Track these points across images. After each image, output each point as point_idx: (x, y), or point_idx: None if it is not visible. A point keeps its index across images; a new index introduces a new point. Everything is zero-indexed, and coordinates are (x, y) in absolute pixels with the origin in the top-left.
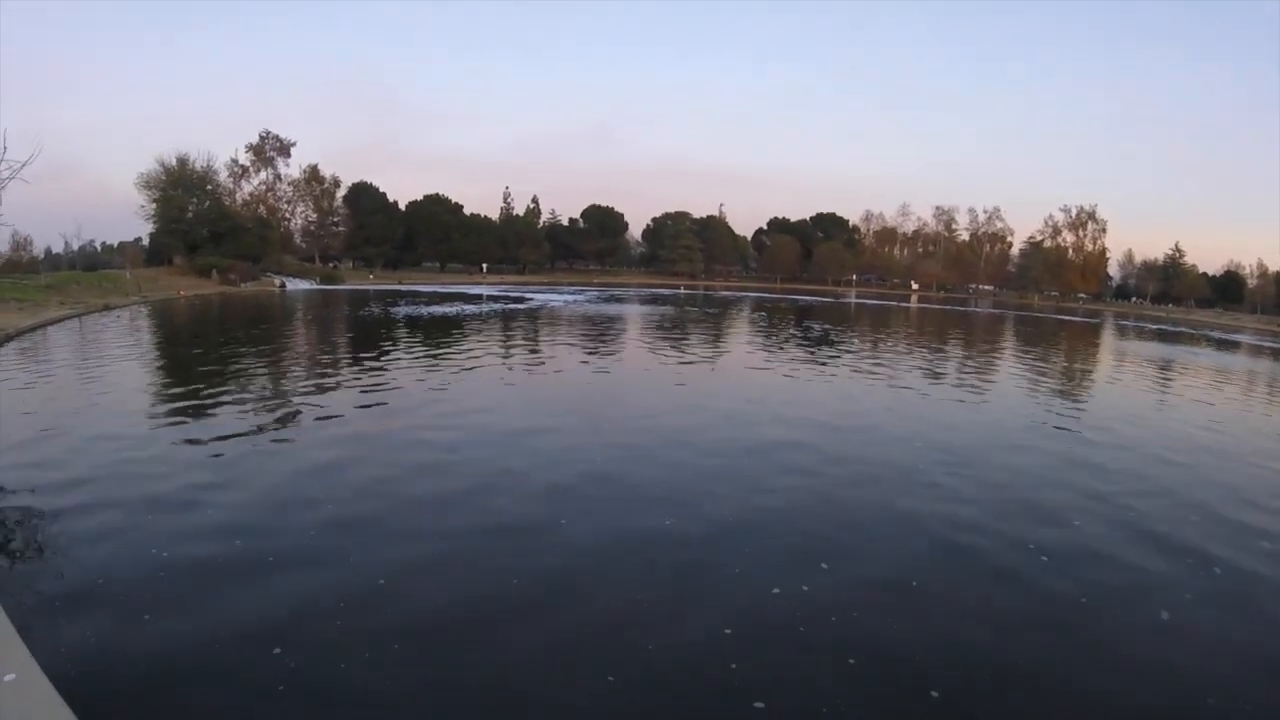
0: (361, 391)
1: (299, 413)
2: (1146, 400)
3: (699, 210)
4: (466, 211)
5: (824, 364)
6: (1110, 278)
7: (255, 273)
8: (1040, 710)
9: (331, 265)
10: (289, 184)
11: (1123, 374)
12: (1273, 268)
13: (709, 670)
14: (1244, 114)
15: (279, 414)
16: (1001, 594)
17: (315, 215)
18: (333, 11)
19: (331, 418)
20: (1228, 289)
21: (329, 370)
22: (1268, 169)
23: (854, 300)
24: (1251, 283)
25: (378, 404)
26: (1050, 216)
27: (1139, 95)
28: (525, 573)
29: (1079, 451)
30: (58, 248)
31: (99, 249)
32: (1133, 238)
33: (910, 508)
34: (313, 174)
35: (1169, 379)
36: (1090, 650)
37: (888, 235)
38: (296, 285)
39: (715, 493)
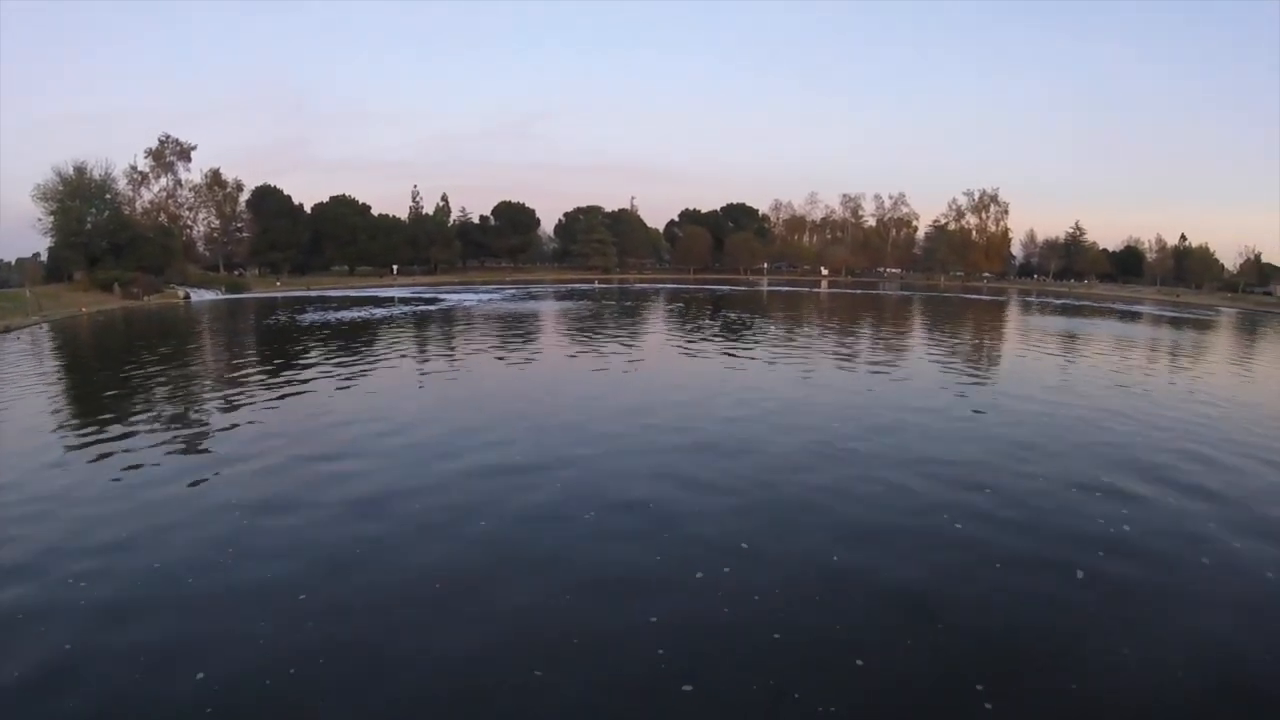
0: (266, 407)
1: (208, 438)
2: (1049, 366)
3: (611, 204)
4: (375, 212)
5: (748, 350)
6: (1014, 257)
7: (159, 285)
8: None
9: (237, 273)
10: (190, 190)
11: (1032, 348)
12: (1171, 242)
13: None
14: (1140, 96)
15: (189, 442)
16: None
17: (218, 221)
18: (234, 10)
19: (241, 445)
20: (1128, 263)
21: (238, 391)
22: (1165, 148)
23: (766, 288)
24: (1150, 257)
25: (290, 425)
26: (954, 200)
27: (1037, 80)
28: (449, 570)
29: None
30: None
31: None
32: (1035, 218)
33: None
34: (214, 179)
35: (1075, 350)
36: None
37: (797, 223)
38: (201, 296)
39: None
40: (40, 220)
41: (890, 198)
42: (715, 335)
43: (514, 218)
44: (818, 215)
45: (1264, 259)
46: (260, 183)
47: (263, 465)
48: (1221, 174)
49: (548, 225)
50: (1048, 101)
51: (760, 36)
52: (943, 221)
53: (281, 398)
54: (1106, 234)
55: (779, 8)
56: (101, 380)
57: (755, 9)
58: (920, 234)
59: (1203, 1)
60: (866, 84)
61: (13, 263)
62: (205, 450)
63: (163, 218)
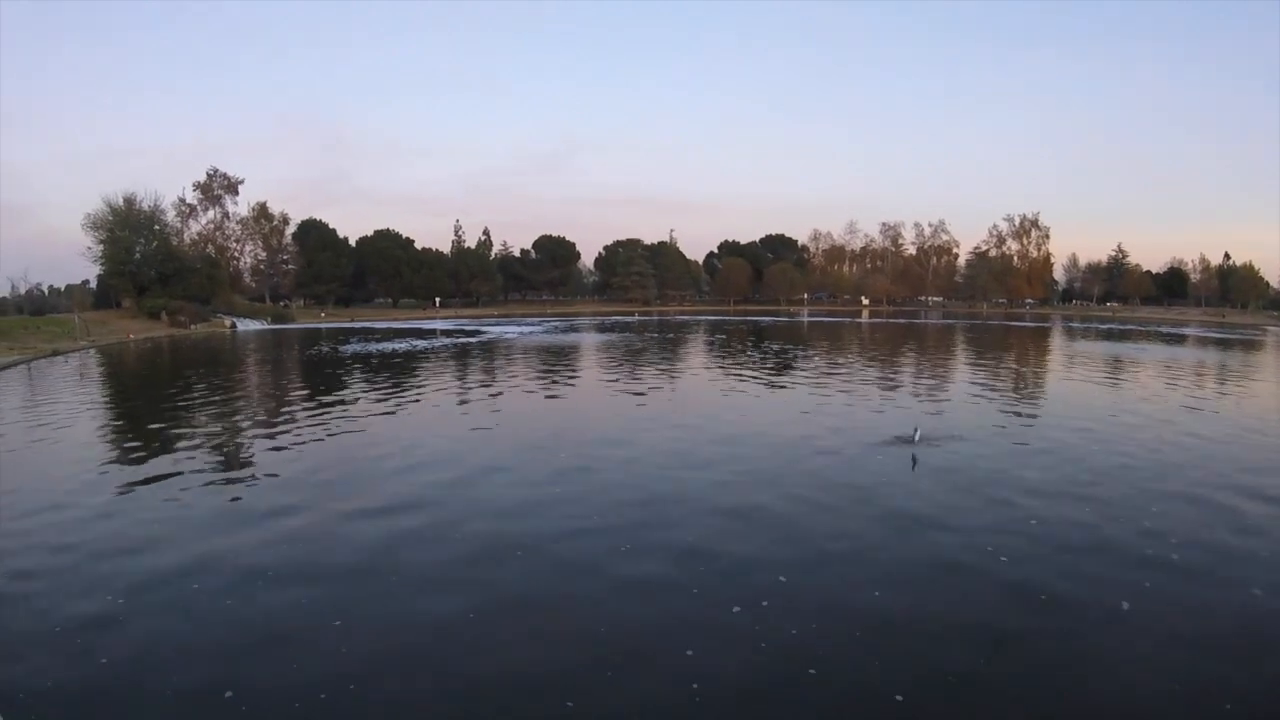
0: (312, 439)
1: (252, 464)
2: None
3: (650, 236)
4: (418, 246)
5: (790, 384)
6: (1056, 282)
7: (205, 314)
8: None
9: (282, 304)
10: (237, 222)
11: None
12: (1214, 262)
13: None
14: (1181, 114)
15: (233, 474)
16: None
17: (264, 253)
18: (282, 47)
19: (286, 483)
20: (1172, 285)
21: (284, 422)
22: (1205, 167)
23: (807, 318)
24: (1194, 278)
25: (335, 463)
26: (994, 226)
27: (1075, 104)
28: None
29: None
30: (3, 292)
31: (46, 293)
32: (1076, 242)
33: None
34: (261, 211)
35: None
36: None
37: (836, 253)
38: (247, 326)
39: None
40: (90, 249)
41: (930, 225)
42: (802, 373)
43: (554, 251)
44: (857, 245)
45: None
46: (305, 216)
47: (305, 510)
48: (1265, 190)
49: (587, 258)
50: (1088, 123)
51: (798, 68)
52: (983, 248)
53: (327, 430)
54: (1150, 255)
55: (816, 41)
56: (146, 408)
57: (793, 42)
58: (961, 261)
59: (1241, 22)
60: (905, 112)
61: (62, 289)
62: (249, 480)
63: (210, 249)
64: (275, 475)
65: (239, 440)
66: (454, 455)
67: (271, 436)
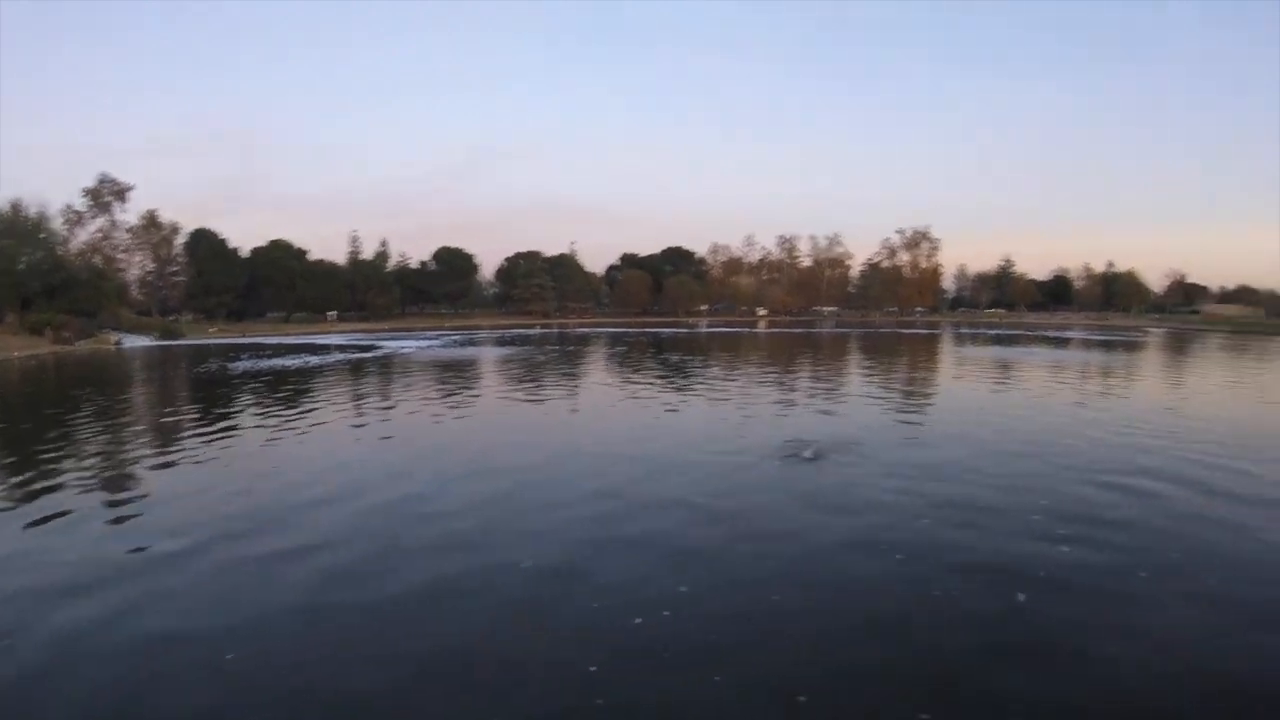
0: (194, 468)
1: (149, 499)
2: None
3: (551, 249)
4: (312, 257)
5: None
6: (945, 291)
7: (91, 329)
8: None
9: (171, 319)
10: (126, 231)
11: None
12: (1098, 269)
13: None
14: (1064, 128)
15: (128, 513)
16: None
17: (153, 265)
18: (175, 51)
19: (173, 515)
20: (1057, 292)
21: (180, 450)
22: (1090, 177)
23: (705, 330)
24: (1079, 284)
25: (225, 493)
26: (887, 239)
27: (967, 118)
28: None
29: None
30: None
31: None
32: (966, 253)
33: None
34: (150, 220)
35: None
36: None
37: (734, 265)
38: (134, 342)
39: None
40: None
41: (825, 238)
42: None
43: (453, 263)
44: (755, 257)
45: (1189, 280)
46: (198, 226)
47: (213, 550)
48: (1145, 198)
49: (488, 270)
50: (977, 138)
51: (694, 83)
52: (876, 260)
53: (225, 461)
54: (1036, 264)
55: (711, 53)
56: (35, 434)
57: (688, 55)
58: (855, 272)
59: (1116, 31)
60: (800, 127)
61: None
62: (145, 516)
63: (97, 259)
64: (176, 511)
65: (132, 472)
66: (365, 484)
67: (169, 466)
